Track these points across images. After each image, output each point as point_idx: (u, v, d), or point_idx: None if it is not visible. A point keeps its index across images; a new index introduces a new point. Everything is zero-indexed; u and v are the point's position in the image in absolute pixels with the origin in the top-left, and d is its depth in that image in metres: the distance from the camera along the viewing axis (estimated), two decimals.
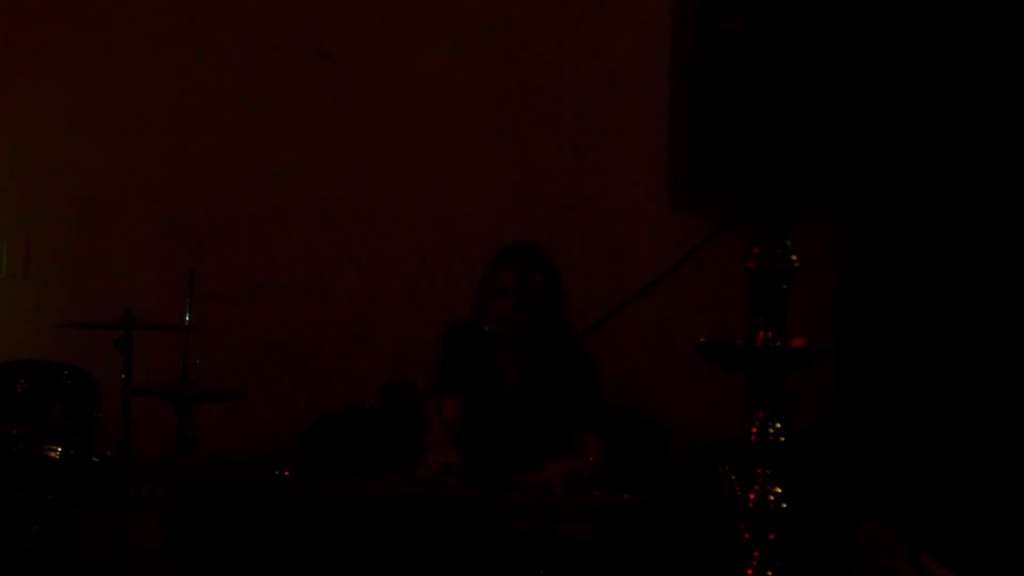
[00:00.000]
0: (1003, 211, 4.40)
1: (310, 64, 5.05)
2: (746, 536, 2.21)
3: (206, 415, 4.72)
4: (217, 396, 4.56)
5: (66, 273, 5.20)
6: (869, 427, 4.41)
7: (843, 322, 4.71)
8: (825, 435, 3.91)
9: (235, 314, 5.05)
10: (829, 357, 4.27)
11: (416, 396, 4.10)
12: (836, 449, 3.82)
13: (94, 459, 4.32)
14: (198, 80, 5.12)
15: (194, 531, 3.50)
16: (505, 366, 3.97)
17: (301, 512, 3.39)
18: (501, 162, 4.98)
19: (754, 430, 2.21)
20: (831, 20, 4.50)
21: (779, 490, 2.20)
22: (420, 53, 5.01)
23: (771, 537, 2.20)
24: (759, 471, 2.21)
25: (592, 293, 4.66)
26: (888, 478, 3.71)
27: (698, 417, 4.72)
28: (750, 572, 2.20)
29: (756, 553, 2.20)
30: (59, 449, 4.29)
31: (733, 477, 2.23)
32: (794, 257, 2.21)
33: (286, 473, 3.52)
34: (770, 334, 2.20)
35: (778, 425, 2.21)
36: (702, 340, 2.23)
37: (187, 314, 4.38)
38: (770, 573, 2.19)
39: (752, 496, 2.20)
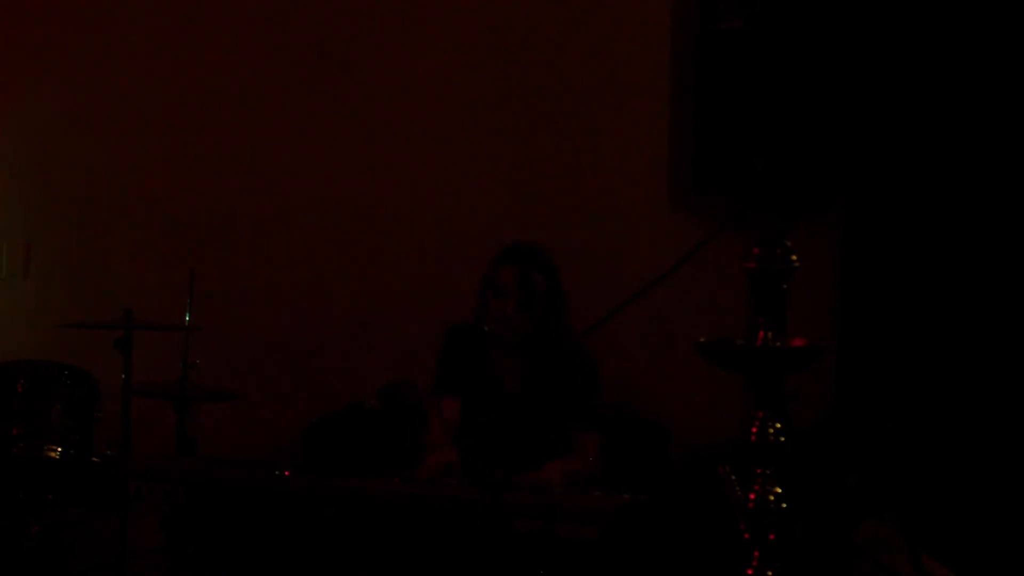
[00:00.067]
0: (1003, 211, 4.40)
1: (310, 64, 5.05)
2: (746, 536, 2.21)
3: (206, 415, 4.72)
4: (217, 396, 4.56)
5: (66, 273, 5.20)
6: (869, 427, 4.41)
7: (843, 322, 4.71)
8: (825, 435, 3.91)
9: (235, 314, 5.05)
10: (829, 357, 4.26)
11: (416, 396, 4.10)
12: (836, 449, 3.82)
13: (94, 459, 4.32)
14: (198, 80, 5.12)
15: (194, 531, 3.50)
16: (505, 366, 3.97)
17: (301, 512, 3.39)
18: (501, 162, 4.98)
19: (754, 430, 2.21)
20: (831, 20, 4.50)
21: (779, 490, 2.20)
22: (420, 53, 5.01)
23: (771, 537, 2.20)
24: (759, 471, 2.21)
25: (592, 293, 4.65)
26: (888, 478, 3.71)
27: (698, 417, 4.72)
28: (750, 572, 2.20)
29: (756, 553, 2.20)
30: (59, 449, 4.29)
31: (733, 477, 2.23)
32: (794, 257, 2.22)
33: (286, 473, 3.52)
34: (770, 334, 2.20)
35: (778, 425, 2.21)
36: (702, 340, 2.23)
37: (187, 314, 4.38)
38: (770, 573, 2.19)
39: (752, 496, 2.20)
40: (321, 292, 5.06)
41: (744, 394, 4.49)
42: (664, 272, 4.83)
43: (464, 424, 3.92)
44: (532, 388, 3.94)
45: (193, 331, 4.37)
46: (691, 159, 4.78)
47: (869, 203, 4.65)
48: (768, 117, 4.48)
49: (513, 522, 3.21)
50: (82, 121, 5.18)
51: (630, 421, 4.59)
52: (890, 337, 4.54)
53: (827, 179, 4.58)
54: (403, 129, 5.01)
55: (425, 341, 4.24)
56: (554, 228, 4.75)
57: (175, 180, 5.13)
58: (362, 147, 5.04)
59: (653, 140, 4.91)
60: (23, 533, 4.16)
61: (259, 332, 5.07)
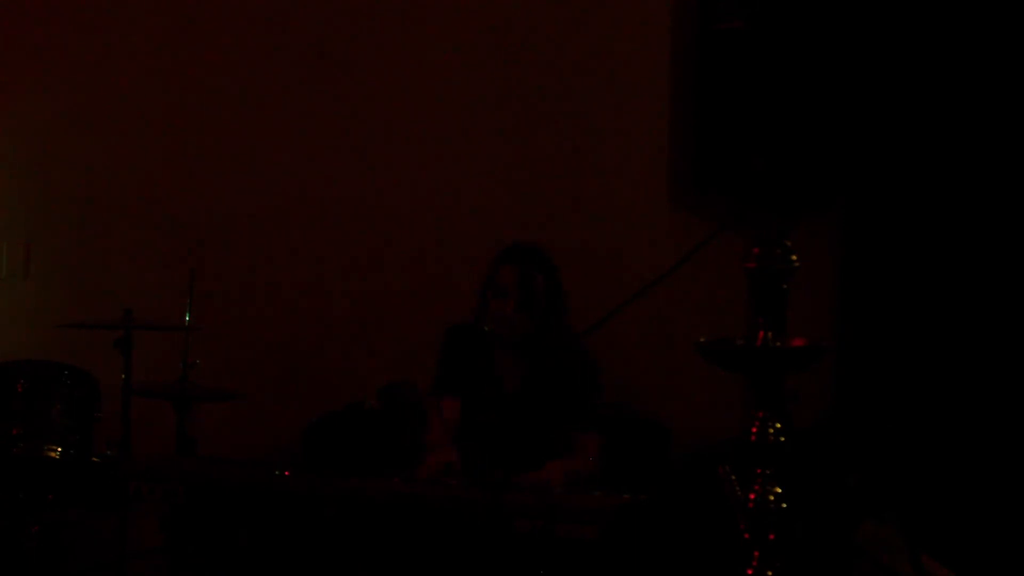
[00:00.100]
0: (1003, 211, 4.40)
1: (310, 64, 5.05)
2: (746, 536, 2.21)
3: (206, 415, 4.72)
4: (217, 396, 4.56)
5: (66, 273, 5.20)
6: (869, 427, 4.41)
7: (843, 322, 4.71)
8: (825, 435, 3.91)
9: (235, 314, 5.06)
10: (829, 357, 4.26)
11: (416, 396, 4.10)
12: (836, 449, 3.82)
13: (94, 459, 4.32)
14: (198, 80, 5.12)
15: (194, 531, 3.50)
16: (505, 366, 3.97)
17: (301, 512, 3.39)
18: (501, 162, 4.97)
19: (754, 430, 2.21)
20: (831, 20, 4.50)
21: (779, 490, 2.20)
22: (420, 53, 5.01)
23: (771, 537, 2.20)
24: (759, 471, 2.21)
25: (592, 293, 4.65)
26: (888, 478, 3.71)
27: (698, 417, 4.72)
28: (750, 572, 2.20)
29: (756, 553, 2.20)
30: (59, 449, 4.29)
31: (733, 477, 2.23)
32: (794, 257, 2.21)
33: (286, 473, 3.52)
34: (770, 334, 2.20)
35: (778, 425, 2.21)
36: (702, 340, 2.23)
37: (187, 314, 4.38)
38: (770, 573, 2.19)
39: (752, 496, 2.20)
40: (321, 292, 5.06)
41: (744, 394, 4.49)
42: (664, 272, 4.83)
43: (464, 424, 3.92)
44: (532, 388, 3.94)
45: (193, 331, 4.38)
46: (691, 159, 4.78)
47: (869, 203, 4.65)
48: (768, 117, 4.48)
49: (513, 522, 3.21)
50: (82, 121, 5.18)
51: (630, 421, 4.59)
52: (890, 337, 4.54)
53: (827, 179, 4.58)
54: (403, 129, 5.01)
55: (425, 341, 4.24)
56: (554, 228, 4.75)
57: (175, 180, 5.13)
58: (362, 147, 5.04)
59: (653, 140, 4.91)
60: (23, 533, 4.16)
61: (259, 332, 5.07)
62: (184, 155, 5.13)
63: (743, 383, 4.32)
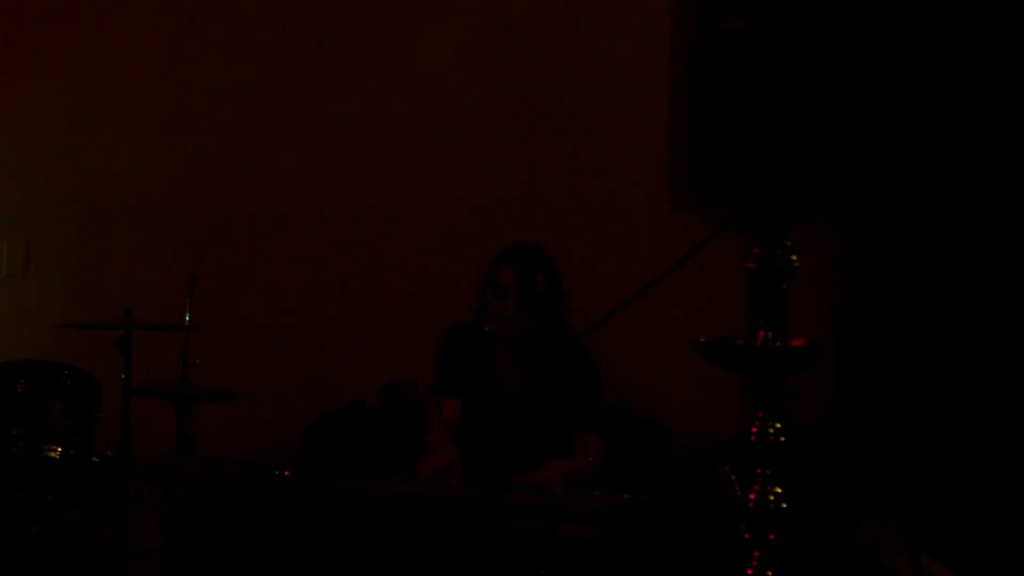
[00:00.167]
0: (1003, 211, 4.40)
1: (310, 64, 5.06)
2: (746, 536, 2.21)
3: (206, 415, 4.72)
4: (217, 396, 4.56)
5: (66, 273, 5.20)
6: (869, 427, 4.41)
7: (843, 322, 4.71)
8: (825, 435, 3.91)
9: (235, 314, 5.06)
10: (829, 357, 4.26)
11: (416, 396, 4.10)
12: (836, 449, 3.82)
13: (94, 459, 4.32)
14: (198, 80, 5.12)
15: (194, 531, 3.50)
16: (506, 366, 3.97)
17: (301, 512, 3.39)
18: (501, 162, 4.97)
19: (754, 430, 2.21)
20: (831, 20, 4.50)
21: (779, 490, 2.20)
22: (420, 53, 5.01)
23: (771, 537, 2.20)
24: (759, 471, 2.21)
25: (592, 293, 4.66)
26: (888, 478, 3.71)
27: (698, 417, 4.72)
28: (750, 572, 2.20)
29: (756, 553, 2.20)
30: (59, 449, 4.29)
31: (733, 477, 2.23)
32: (794, 257, 2.21)
33: (286, 473, 3.52)
34: (770, 334, 2.20)
35: (778, 425, 2.21)
36: (702, 340, 2.23)
37: (187, 314, 4.38)
38: (770, 573, 2.19)
39: (752, 496, 2.20)
40: (321, 292, 5.06)
41: (744, 394, 4.49)
42: (664, 272, 4.83)
43: (464, 424, 3.92)
44: (532, 388, 3.94)
45: (193, 331, 4.37)
46: (691, 159, 4.78)
47: (869, 203, 4.65)
48: (768, 117, 4.48)
49: (513, 522, 3.21)
50: (82, 121, 5.18)
51: (630, 421, 4.59)
52: (890, 337, 4.54)
53: (827, 179, 4.58)
54: (403, 129, 5.01)
55: (425, 341, 4.24)
56: (554, 228, 4.74)
57: (175, 180, 5.13)
58: (362, 147, 5.04)
59: (653, 140, 4.91)
60: (23, 533, 4.16)
61: (259, 332, 5.07)
62: (184, 155, 5.13)
63: (743, 383, 4.32)
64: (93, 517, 4.31)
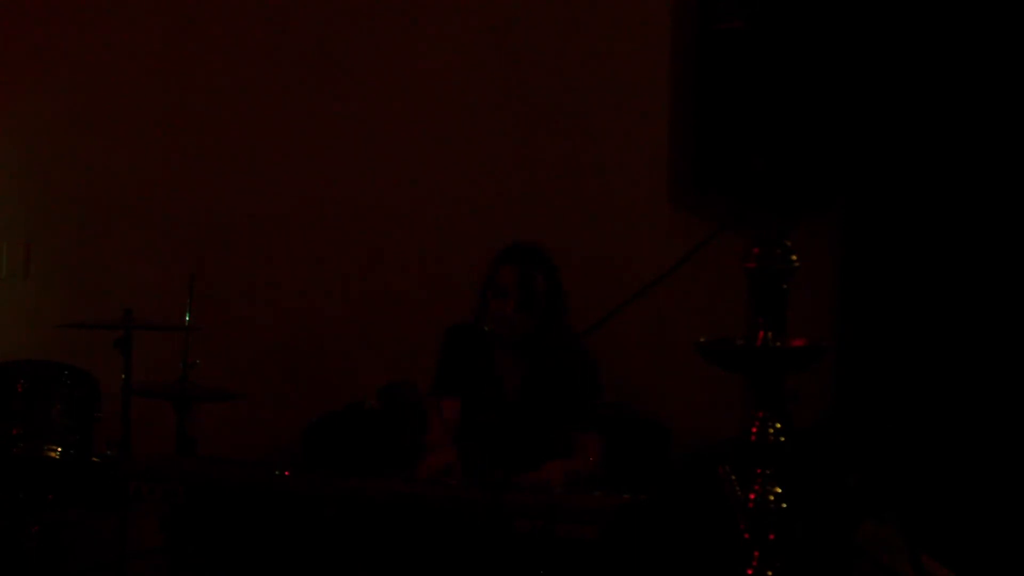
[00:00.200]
0: (1003, 211, 4.40)
1: (310, 64, 5.06)
2: (746, 536, 2.21)
3: (206, 415, 4.72)
4: (217, 396, 4.56)
5: (66, 273, 5.20)
6: (869, 427, 4.41)
7: (843, 322, 4.71)
8: (825, 435, 3.91)
9: (235, 314, 5.06)
10: (829, 357, 4.26)
11: (416, 396, 4.10)
12: (836, 449, 3.82)
13: (94, 459, 4.32)
14: (198, 80, 5.12)
15: (194, 531, 3.50)
16: (506, 366, 3.97)
17: (301, 512, 3.39)
18: (501, 162, 4.97)
19: (754, 430, 2.21)
20: (831, 20, 4.50)
21: (779, 490, 2.20)
22: (420, 53, 5.01)
23: (771, 537, 2.20)
24: (759, 471, 2.21)
25: (592, 293, 4.66)
26: (888, 478, 3.71)
27: (698, 417, 4.72)
28: (750, 572, 2.20)
29: (756, 553, 2.20)
30: (59, 449, 4.29)
31: (733, 477, 2.23)
32: (794, 257, 2.21)
33: (286, 473, 3.52)
34: (770, 334, 2.20)
35: (778, 425, 2.21)
36: (702, 340, 2.23)
37: (187, 314, 4.38)
38: (770, 573, 2.19)
39: (752, 496, 2.20)
40: (321, 292, 5.06)
41: (744, 394, 4.49)
42: (664, 272, 4.84)
43: (464, 424, 3.92)
44: (532, 388, 3.94)
45: (193, 331, 4.37)
46: (691, 159, 4.78)
47: (869, 203, 4.65)
48: (768, 117, 4.48)
49: (513, 522, 3.21)
50: (82, 121, 5.18)
51: (630, 421, 4.58)
52: (890, 337, 4.54)
53: (827, 179, 4.58)
54: (403, 129, 5.01)
55: (425, 341, 4.24)
56: (554, 228, 4.74)
57: (175, 180, 5.13)
58: (362, 147, 5.04)
59: (653, 140, 4.91)
60: (23, 533, 4.16)
61: (259, 332, 5.07)
62: (184, 155, 5.13)
63: (743, 383, 4.32)
64: (93, 517, 4.31)
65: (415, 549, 3.30)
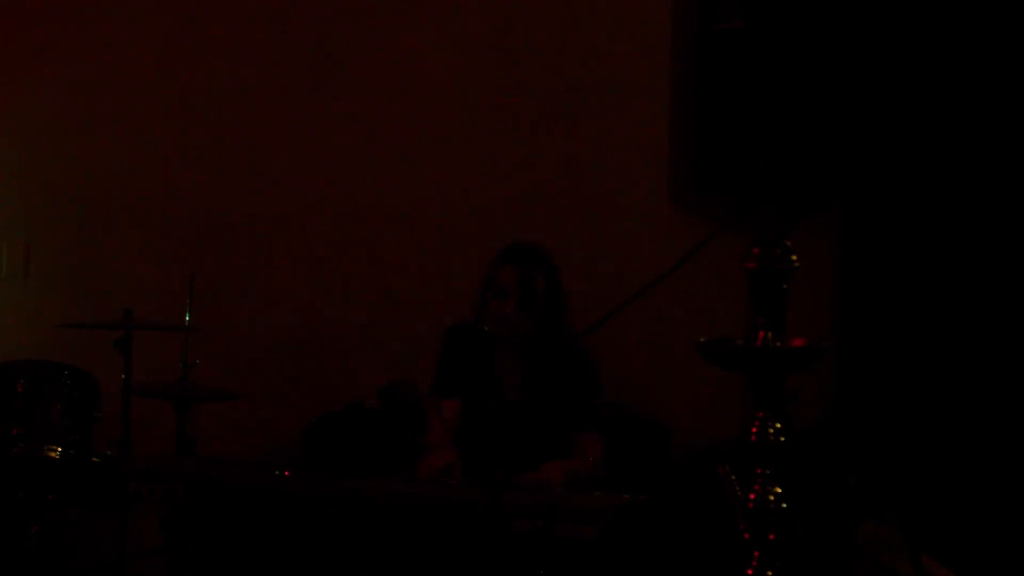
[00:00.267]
0: (1003, 211, 4.40)
1: (310, 64, 5.05)
2: (746, 536, 2.21)
3: (206, 415, 4.72)
4: (217, 396, 4.56)
5: (66, 273, 5.20)
6: (869, 427, 4.41)
7: (843, 322, 4.71)
8: (825, 435, 3.91)
9: (235, 314, 5.05)
10: (829, 357, 4.26)
11: (416, 396, 4.10)
12: (836, 449, 3.82)
13: (94, 459, 4.33)
14: (198, 80, 5.12)
15: (194, 531, 3.50)
16: (506, 366, 3.97)
17: (301, 512, 3.39)
18: (501, 162, 4.97)
19: (754, 430, 2.21)
20: (831, 20, 4.50)
21: (779, 490, 2.20)
22: (420, 53, 5.01)
23: (771, 537, 2.20)
24: (759, 471, 2.21)
25: (592, 293, 4.66)
26: (888, 478, 3.71)
27: (698, 417, 4.72)
28: (750, 572, 2.20)
29: (756, 553, 2.20)
30: (59, 449, 4.29)
31: (733, 477, 2.22)
32: (794, 257, 2.21)
33: (286, 473, 3.52)
34: (770, 334, 2.20)
35: (778, 425, 2.21)
36: (702, 340, 2.23)
37: (187, 314, 4.38)
38: (770, 573, 2.19)
39: (752, 496, 2.20)
40: (321, 292, 5.06)
41: (744, 394, 4.49)
42: (664, 272, 4.83)
43: (464, 424, 3.92)
44: (532, 388, 3.94)
45: (193, 331, 4.38)
46: (691, 159, 4.78)
47: (869, 203, 4.65)
48: (768, 117, 4.48)
49: (513, 522, 3.21)
50: (82, 121, 5.18)
51: (630, 421, 4.59)
52: (890, 337, 4.54)
53: (827, 179, 4.58)
54: (403, 129, 5.01)
55: (425, 341, 4.25)
56: (554, 228, 4.74)
57: (175, 180, 5.13)
58: (362, 147, 5.04)
59: (653, 140, 4.91)
60: (23, 533, 4.16)
61: (259, 332, 5.07)
62: (184, 155, 5.13)
63: (743, 383, 4.32)
64: (93, 517, 4.31)
65: (415, 549, 3.30)
